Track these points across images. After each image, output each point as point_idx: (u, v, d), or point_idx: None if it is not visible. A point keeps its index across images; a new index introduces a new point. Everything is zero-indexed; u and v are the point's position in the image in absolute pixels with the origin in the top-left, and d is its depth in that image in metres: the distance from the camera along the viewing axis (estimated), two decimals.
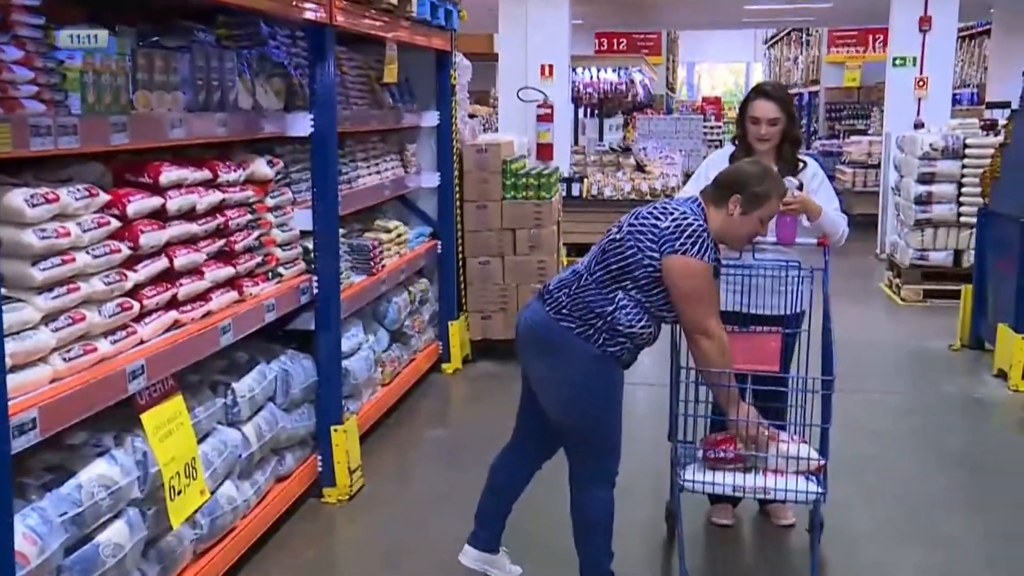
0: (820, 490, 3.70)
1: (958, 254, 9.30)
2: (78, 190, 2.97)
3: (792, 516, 4.43)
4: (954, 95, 14.59)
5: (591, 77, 15.43)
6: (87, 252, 2.98)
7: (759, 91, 4.28)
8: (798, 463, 3.70)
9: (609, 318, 3.44)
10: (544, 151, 11.40)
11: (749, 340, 4.03)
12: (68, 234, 2.89)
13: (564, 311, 3.49)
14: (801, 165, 4.26)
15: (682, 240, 3.40)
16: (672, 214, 3.46)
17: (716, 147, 24.33)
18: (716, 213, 3.53)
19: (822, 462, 3.73)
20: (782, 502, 4.17)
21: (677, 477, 3.81)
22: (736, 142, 4.35)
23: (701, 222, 3.46)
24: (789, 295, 4.15)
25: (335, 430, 4.66)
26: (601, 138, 16.35)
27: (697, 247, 3.40)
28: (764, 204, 3.52)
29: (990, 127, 9.62)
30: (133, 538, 3.12)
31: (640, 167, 12.75)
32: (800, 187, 4.11)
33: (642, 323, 3.47)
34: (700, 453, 3.83)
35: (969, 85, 20.03)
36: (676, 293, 3.43)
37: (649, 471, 4.76)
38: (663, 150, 14.56)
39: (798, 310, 4.17)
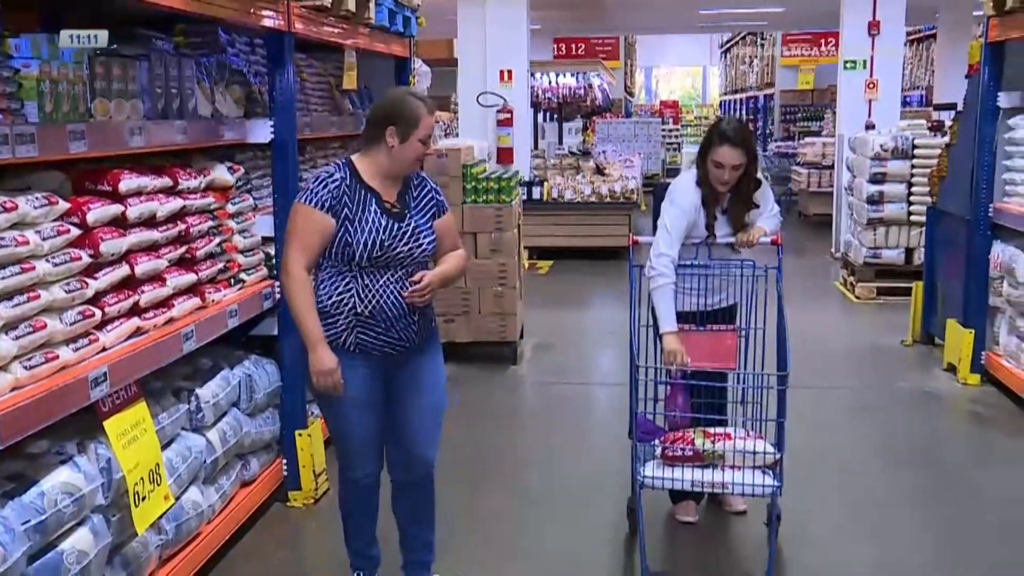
0: (776, 483, 3.79)
1: (909, 252, 9.48)
2: (37, 198, 2.95)
3: (743, 503, 4.51)
4: (903, 97, 14.87)
5: (550, 82, 15.53)
6: (47, 260, 2.96)
7: (723, 137, 4.13)
8: (755, 458, 3.79)
9: (319, 304, 3.49)
10: (504, 155, 11.47)
11: (705, 339, 4.11)
12: (27, 242, 2.86)
13: None
14: (755, 207, 4.29)
15: (301, 191, 3.52)
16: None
17: (675, 150, 24.71)
18: (376, 152, 3.50)
19: (778, 456, 3.81)
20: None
21: (637, 474, 3.88)
22: (699, 183, 4.24)
23: (330, 171, 3.48)
24: (730, 289, 4.27)
25: (299, 434, 4.68)
26: (561, 142, 16.50)
27: (304, 193, 3.45)
28: (419, 124, 3.46)
29: (937, 128, 9.83)
30: (97, 545, 3.10)
31: (600, 170, 12.87)
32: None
33: (339, 290, 3.47)
34: (659, 450, 3.90)
35: (918, 87, 20.45)
36: None
37: (611, 471, 4.82)
38: (622, 153, 14.69)
39: (731, 302, 4.29)
